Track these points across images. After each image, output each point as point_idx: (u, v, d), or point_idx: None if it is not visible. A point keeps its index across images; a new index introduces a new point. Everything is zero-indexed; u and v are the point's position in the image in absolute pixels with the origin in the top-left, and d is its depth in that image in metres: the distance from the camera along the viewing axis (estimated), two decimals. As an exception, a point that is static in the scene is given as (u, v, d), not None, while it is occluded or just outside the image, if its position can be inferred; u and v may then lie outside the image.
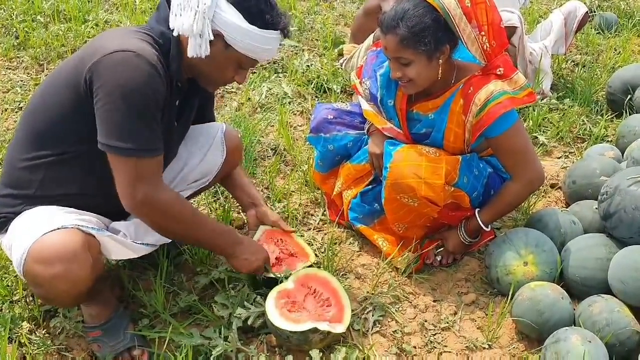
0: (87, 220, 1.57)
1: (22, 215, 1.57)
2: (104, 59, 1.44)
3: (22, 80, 3.25)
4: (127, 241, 1.64)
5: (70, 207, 1.60)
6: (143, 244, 1.69)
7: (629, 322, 1.71)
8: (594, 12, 4.48)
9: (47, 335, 1.76)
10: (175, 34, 1.55)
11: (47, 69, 3.37)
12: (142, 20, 3.83)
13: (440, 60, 1.82)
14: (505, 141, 1.88)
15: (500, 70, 1.85)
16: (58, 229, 1.46)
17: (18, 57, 3.42)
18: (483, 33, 1.79)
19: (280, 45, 1.70)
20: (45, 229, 1.46)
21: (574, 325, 1.77)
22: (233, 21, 1.53)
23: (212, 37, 1.52)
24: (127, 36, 1.52)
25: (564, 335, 1.67)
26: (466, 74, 1.89)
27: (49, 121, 1.57)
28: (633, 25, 4.16)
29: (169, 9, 1.57)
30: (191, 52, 1.54)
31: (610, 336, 1.68)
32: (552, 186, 2.55)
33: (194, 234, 1.67)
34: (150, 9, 4.12)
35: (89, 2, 4.29)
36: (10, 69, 3.32)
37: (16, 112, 2.92)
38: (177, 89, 1.65)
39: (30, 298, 1.84)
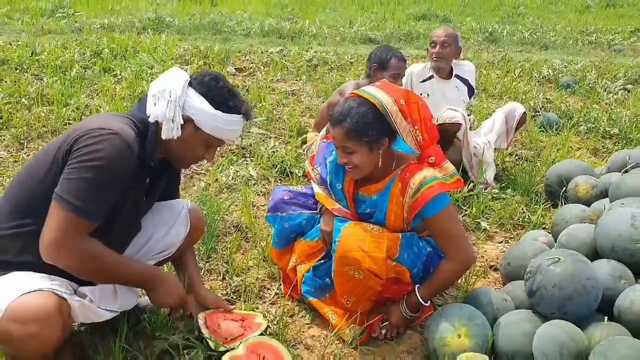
0: (59, 284, 1.68)
1: None
2: (86, 132, 1.64)
3: (1, 157, 3.40)
4: (93, 306, 1.74)
5: (43, 272, 1.70)
6: (107, 309, 1.81)
7: (551, 391, 1.86)
8: (539, 112, 4.93)
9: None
10: (151, 120, 1.78)
11: (27, 148, 3.55)
12: (121, 106, 4.09)
13: (380, 151, 2.07)
14: (438, 222, 2.09)
15: (432, 159, 2.11)
16: (35, 291, 1.56)
17: (0, 135, 3.60)
18: (417, 127, 2.06)
19: (244, 130, 1.94)
20: (22, 290, 1.55)
21: (503, 395, 1.91)
22: (201, 107, 1.79)
23: (182, 122, 1.77)
24: (110, 118, 1.74)
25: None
26: (404, 162, 2.14)
27: (33, 191, 1.71)
28: (572, 125, 4.59)
29: None
30: (165, 134, 1.77)
31: (534, 403, 1.82)
32: (491, 267, 2.76)
33: (113, 277, 1.78)
34: (129, 95, 4.40)
35: (71, 87, 4.57)
36: (-10, 146, 3.48)
37: (-7, 187, 3.06)
38: (149, 168, 1.84)
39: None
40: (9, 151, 3.50)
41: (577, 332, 1.92)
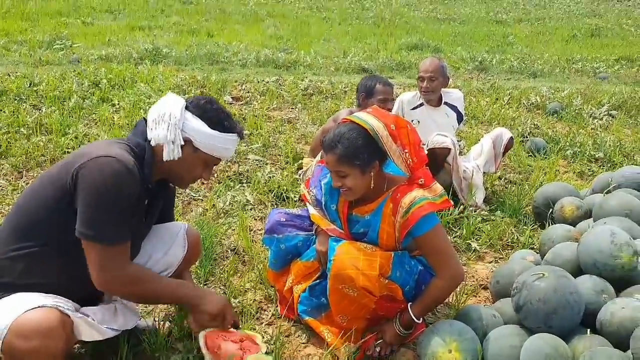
0: (63, 302, 1.76)
1: (1, 301, 1.74)
2: (91, 161, 1.74)
3: (0, 186, 3.48)
4: (95, 324, 1.81)
5: (47, 293, 1.78)
6: (109, 327, 1.88)
7: (539, 404, 1.92)
8: (527, 137, 5.07)
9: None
10: (153, 144, 1.88)
11: (26, 176, 3.62)
12: (119, 135, 4.19)
13: (372, 173, 2.18)
14: (428, 241, 2.18)
15: (421, 181, 2.21)
16: (39, 307, 1.64)
17: (-1, 165, 3.67)
18: (406, 150, 2.17)
19: (236, 151, 2.06)
20: (26, 307, 1.63)
21: (493, 407, 1.97)
22: (199, 128, 1.91)
23: (183, 143, 1.89)
24: (110, 145, 1.84)
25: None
26: (395, 183, 2.24)
27: (33, 216, 1.79)
28: (559, 150, 4.72)
29: (145, 125, 1.92)
30: (167, 156, 1.88)
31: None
32: (482, 286, 2.84)
33: (161, 295, 1.94)
34: (128, 124, 4.50)
35: (70, 116, 4.67)
36: (-11, 175, 3.54)
37: (-7, 215, 3.12)
38: (147, 190, 1.94)
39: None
40: (7, 180, 3.57)
41: (561, 344, 2.00)
